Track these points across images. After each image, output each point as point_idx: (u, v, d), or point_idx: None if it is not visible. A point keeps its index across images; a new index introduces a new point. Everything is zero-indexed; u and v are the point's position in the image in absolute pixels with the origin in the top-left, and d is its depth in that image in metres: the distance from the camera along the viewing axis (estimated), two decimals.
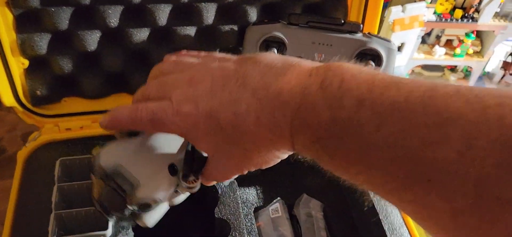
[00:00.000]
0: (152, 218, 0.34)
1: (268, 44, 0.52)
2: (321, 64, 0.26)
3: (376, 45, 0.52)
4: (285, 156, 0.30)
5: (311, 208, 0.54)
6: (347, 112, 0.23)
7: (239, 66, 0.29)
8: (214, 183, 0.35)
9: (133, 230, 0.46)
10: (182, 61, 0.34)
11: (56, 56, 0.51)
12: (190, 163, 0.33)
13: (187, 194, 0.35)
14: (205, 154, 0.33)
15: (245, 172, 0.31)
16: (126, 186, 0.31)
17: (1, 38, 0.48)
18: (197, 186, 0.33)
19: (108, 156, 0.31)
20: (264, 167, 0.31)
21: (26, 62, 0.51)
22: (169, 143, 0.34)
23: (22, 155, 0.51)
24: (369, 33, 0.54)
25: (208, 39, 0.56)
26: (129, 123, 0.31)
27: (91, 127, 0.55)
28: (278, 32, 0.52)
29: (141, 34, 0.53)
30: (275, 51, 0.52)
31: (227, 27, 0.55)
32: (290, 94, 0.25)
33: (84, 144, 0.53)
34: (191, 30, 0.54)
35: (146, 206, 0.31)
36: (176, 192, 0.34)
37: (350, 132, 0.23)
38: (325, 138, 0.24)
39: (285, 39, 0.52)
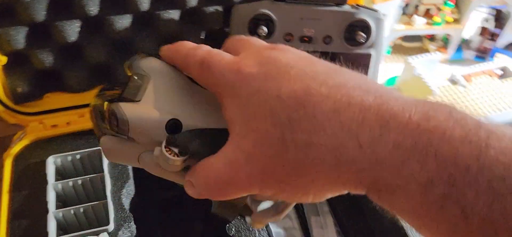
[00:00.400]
0: None
1: (256, 22, 0.51)
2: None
3: (364, 15, 0.51)
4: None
5: None
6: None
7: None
8: (197, 195, 0.27)
9: (135, 222, 0.45)
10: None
11: (35, 50, 0.49)
12: (192, 132, 0.27)
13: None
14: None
15: (265, 193, 0.25)
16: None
17: None
18: (173, 165, 0.26)
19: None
20: (309, 200, 0.26)
21: (4, 59, 0.48)
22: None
23: (8, 156, 0.48)
24: (356, 4, 0.54)
25: (192, 22, 0.54)
26: (182, 58, 0.28)
27: (78, 122, 0.53)
28: (266, 9, 0.51)
29: (123, 21, 0.51)
30: (265, 29, 0.51)
31: (211, 9, 0.54)
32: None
33: (72, 140, 0.51)
34: (174, 14, 0.53)
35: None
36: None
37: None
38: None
39: (274, 16, 0.51)
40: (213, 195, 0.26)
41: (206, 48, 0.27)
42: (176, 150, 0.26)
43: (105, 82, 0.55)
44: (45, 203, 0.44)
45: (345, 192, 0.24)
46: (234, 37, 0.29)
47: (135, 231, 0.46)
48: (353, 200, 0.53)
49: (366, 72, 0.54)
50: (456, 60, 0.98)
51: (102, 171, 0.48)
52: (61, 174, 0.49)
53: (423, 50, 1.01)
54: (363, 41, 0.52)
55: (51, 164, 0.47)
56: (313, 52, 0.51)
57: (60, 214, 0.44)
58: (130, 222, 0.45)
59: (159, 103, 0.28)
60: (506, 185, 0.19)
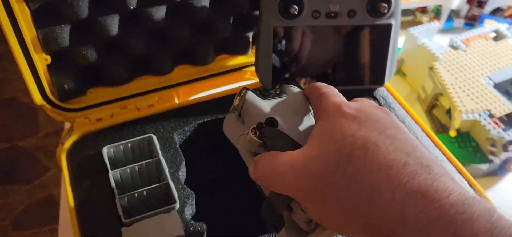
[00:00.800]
0: None
1: (286, 3, 0.54)
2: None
3: None
4: None
5: None
6: None
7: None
8: (253, 175, 0.33)
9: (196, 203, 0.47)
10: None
11: (79, 46, 0.50)
12: (275, 129, 0.35)
13: None
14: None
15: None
16: None
17: (24, 36, 0.46)
18: (250, 143, 0.34)
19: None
20: None
21: (49, 58, 0.49)
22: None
23: (62, 152, 0.50)
24: None
25: (222, 7, 0.56)
26: (312, 90, 0.37)
27: (121, 114, 0.55)
28: None
29: (160, 12, 0.53)
30: (296, 8, 0.53)
31: None
32: None
33: (116, 132, 0.53)
34: (205, 1, 0.55)
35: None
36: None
37: None
38: None
39: None
40: (263, 181, 0.32)
41: (331, 89, 0.35)
42: (257, 135, 0.34)
43: (144, 73, 0.57)
44: (108, 190, 0.46)
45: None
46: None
47: (195, 209, 0.48)
48: None
49: (388, 42, 0.58)
50: (447, 29, 1.04)
51: (153, 156, 0.50)
52: (113, 164, 0.50)
53: (417, 23, 1.06)
54: (386, 12, 0.56)
55: (105, 154, 0.49)
56: (338, 26, 0.55)
57: (125, 199, 0.46)
58: (192, 200, 0.47)
59: (274, 107, 0.37)
60: None
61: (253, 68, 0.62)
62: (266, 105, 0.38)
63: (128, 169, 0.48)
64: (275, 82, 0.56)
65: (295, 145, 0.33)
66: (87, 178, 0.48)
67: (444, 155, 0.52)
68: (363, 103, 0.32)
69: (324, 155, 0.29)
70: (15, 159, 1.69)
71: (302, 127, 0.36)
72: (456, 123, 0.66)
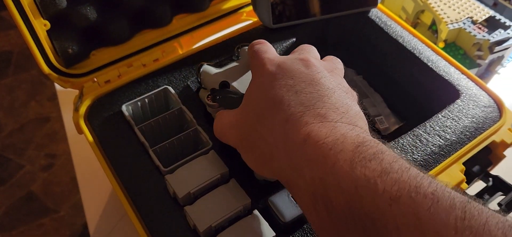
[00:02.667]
0: None
1: None
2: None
3: None
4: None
5: (349, 76, 0.60)
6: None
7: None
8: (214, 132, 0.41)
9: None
10: None
11: (77, 6, 0.48)
12: (223, 90, 0.44)
13: None
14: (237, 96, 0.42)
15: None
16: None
17: (22, 2, 0.44)
18: (211, 108, 0.45)
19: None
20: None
21: (48, 23, 0.47)
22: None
23: (79, 118, 0.48)
24: None
25: None
26: (249, 49, 0.41)
27: (129, 72, 0.53)
28: None
29: None
30: None
31: None
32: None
33: (127, 90, 0.52)
34: None
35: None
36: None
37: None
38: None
39: None
40: (218, 136, 0.40)
41: (262, 45, 0.39)
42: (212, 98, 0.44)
43: (144, 28, 0.55)
44: (137, 145, 0.46)
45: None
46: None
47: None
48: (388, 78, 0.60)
49: None
50: None
51: (171, 108, 0.50)
52: (133, 119, 0.49)
53: None
54: None
55: (126, 111, 0.48)
56: None
57: (158, 150, 0.45)
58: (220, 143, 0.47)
59: (228, 72, 0.46)
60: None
61: (248, 9, 0.62)
62: (220, 72, 0.46)
63: (152, 123, 0.48)
64: (275, 19, 0.57)
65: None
66: (112, 138, 0.47)
67: (448, 61, 0.55)
68: (290, 58, 0.36)
69: (245, 115, 0.35)
70: None
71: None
72: (443, 35, 0.69)
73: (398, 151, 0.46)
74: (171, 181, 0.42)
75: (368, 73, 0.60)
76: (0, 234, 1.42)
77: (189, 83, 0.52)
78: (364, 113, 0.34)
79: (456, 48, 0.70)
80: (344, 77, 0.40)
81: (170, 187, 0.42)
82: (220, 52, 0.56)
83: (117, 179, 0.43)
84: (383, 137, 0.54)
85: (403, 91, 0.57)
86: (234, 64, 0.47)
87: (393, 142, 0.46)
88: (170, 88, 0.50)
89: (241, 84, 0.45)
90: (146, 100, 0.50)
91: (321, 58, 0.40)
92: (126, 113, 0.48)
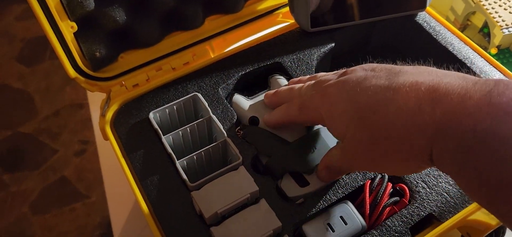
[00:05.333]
0: None
1: None
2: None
3: None
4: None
5: None
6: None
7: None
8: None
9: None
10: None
11: (104, 8, 0.46)
12: (252, 128, 0.45)
13: None
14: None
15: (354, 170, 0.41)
16: None
17: (48, 4, 0.42)
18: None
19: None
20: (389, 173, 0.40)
21: (75, 25, 0.45)
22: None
23: (105, 124, 0.46)
24: None
25: None
26: (284, 117, 0.42)
27: (157, 76, 0.51)
28: None
29: None
30: None
31: None
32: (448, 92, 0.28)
33: (155, 95, 0.49)
34: None
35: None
36: None
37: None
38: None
39: None
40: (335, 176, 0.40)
41: (297, 93, 0.41)
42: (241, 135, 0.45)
43: (174, 29, 0.53)
44: (163, 156, 0.44)
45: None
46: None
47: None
48: None
49: None
50: None
51: (200, 116, 0.48)
52: (161, 128, 0.47)
53: None
54: None
55: (153, 119, 0.46)
56: None
57: (185, 163, 0.43)
58: (251, 153, 0.45)
59: (257, 105, 0.46)
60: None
61: (285, 10, 0.58)
62: (250, 105, 0.46)
63: (180, 132, 0.45)
64: (314, 23, 0.53)
65: (274, 138, 0.43)
66: (138, 147, 0.45)
67: (503, 73, 0.50)
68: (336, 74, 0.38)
69: (358, 130, 0.33)
70: (19, 145, 1.65)
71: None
72: (497, 40, 0.63)
73: (442, 179, 0.42)
74: (197, 198, 0.39)
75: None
76: (35, 216, 1.46)
77: (220, 89, 0.49)
78: None
79: (511, 54, 0.64)
80: None
81: (197, 205, 0.39)
82: (257, 55, 0.52)
83: (141, 191, 0.41)
84: None
85: None
86: (265, 94, 0.46)
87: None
88: (199, 95, 0.48)
89: None
90: (175, 107, 0.48)
91: (361, 65, 0.38)
92: (154, 122, 0.46)
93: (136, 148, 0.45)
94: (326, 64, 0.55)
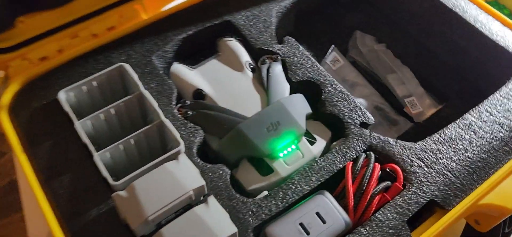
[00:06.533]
0: None
1: None
2: None
3: None
4: None
5: (368, 45, 0.46)
6: None
7: None
8: None
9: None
10: None
11: None
12: (197, 103, 0.37)
13: None
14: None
15: None
16: None
17: None
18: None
19: None
20: None
21: None
22: None
23: (1, 109, 0.35)
24: None
25: None
26: None
27: (73, 45, 0.41)
28: None
29: None
30: None
31: None
32: None
33: (73, 69, 0.38)
34: None
35: None
36: None
37: None
38: None
39: None
40: None
41: None
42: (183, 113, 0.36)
43: None
44: (77, 148, 0.33)
45: None
46: None
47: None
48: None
49: None
50: None
51: (130, 92, 0.37)
52: (78, 112, 0.36)
53: None
54: None
55: (65, 100, 0.35)
56: None
57: (107, 155, 0.32)
58: (199, 137, 0.34)
59: (203, 73, 0.38)
60: None
61: None
62: (193, 75, 0.38)
63: (101, 115, 0.34)
64: None
65: (227, 114, 0.35)
66: (44, 138, 0.34)
67: (503, 23, 0.43)
68: None
69: None
70: None
71: (236, 87, 0.36)
72: None
73: (446, 146, 0.33)
74: (121, 202, 0.29)
75: (393, 41, 0.48)
76: None
77: (154, 58, 0.39)
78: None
79: (499, 7, 0.56)
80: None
81: (121, 211, 0.29)
82: (202, 14, 0.43)
83: (48, 196, 0.31)
84: (416, 124, 0.41)
85: (441, 63, 0.46)
86: (213, 60, 0.39)
87: (438, 135, 0.34)
88: (127, 65, 0.37)
89: (221, 91, 0.36)
90: (94, 83, 0.37)
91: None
92: (65, 103, 0.35)
93: (41, 139, 0.34)
94: (289, 23, 0.46)
